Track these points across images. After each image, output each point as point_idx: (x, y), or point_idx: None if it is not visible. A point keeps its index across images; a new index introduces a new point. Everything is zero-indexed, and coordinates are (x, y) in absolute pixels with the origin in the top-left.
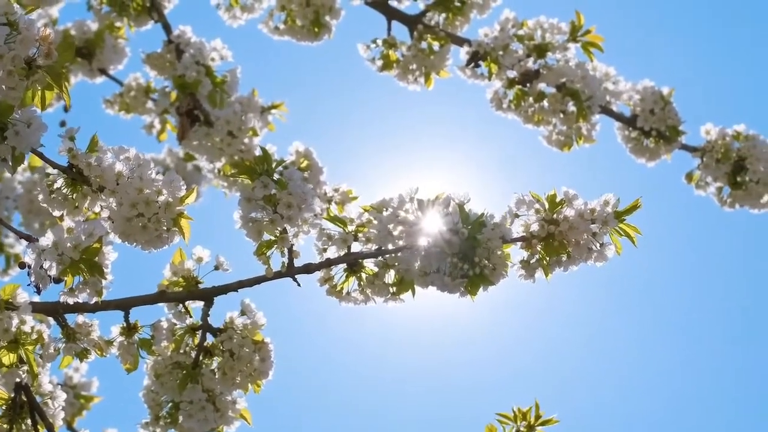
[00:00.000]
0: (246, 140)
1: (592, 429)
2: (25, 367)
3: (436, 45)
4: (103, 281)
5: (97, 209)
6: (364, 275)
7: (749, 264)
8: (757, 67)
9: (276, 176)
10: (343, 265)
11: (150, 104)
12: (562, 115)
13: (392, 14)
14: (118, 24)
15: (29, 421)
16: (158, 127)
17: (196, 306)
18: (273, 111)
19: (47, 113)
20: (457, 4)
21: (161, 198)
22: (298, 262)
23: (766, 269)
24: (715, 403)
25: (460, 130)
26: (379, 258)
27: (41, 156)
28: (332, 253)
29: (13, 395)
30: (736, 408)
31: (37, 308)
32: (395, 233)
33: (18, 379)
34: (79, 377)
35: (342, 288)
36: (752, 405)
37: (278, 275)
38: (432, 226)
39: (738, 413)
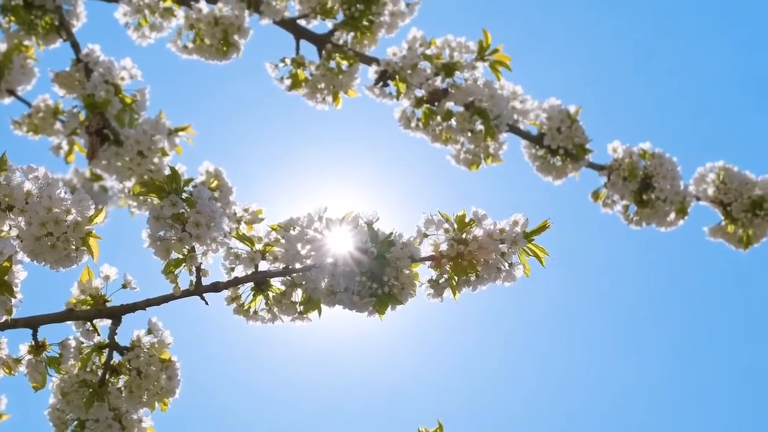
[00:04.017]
0: (156, 160)
1: None
2: None
3: (344, 64)
4: (13, 300)
5: (5, 228)
6: (271, 294)
7: (656, 283)
8: (663, 85)
9: (185, 195)
10: (251, 284)
11: (58, 125)
12: (469, 134)
13: (301, 33)
14: (27, 42)
15: None
16: (66, 148)
17: (103, 324)
18: (180, 133)
19: None
20: (365, 23)
21: (70, 217)
22: (206, 281)
23: (671, 287)
24: (629, 418)
25: (369, 149)
26: (287, 277)
27: None
28: (240, 272)
29: None
30: (648, 423)
31: None
32: (303, 252)
33: None
34: None
35: (249, 307)
36: (663, 420)
37: (186, 294)
38: (340, 245)
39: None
